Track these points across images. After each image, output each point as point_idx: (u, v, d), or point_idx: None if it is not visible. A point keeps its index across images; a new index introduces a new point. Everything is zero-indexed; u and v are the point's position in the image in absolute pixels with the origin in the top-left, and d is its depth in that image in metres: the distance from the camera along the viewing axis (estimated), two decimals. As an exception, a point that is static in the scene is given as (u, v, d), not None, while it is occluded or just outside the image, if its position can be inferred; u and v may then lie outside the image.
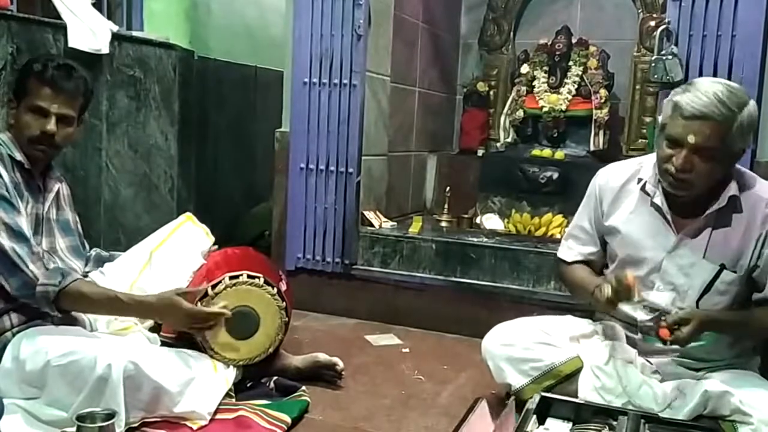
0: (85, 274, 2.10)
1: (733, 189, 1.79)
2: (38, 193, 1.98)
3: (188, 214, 2.37)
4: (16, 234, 1.80)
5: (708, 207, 1.80)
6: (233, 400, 2.02)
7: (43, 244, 1.96)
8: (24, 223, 1.84)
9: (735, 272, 1.81)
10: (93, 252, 2.24)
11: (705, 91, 1.69)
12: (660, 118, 1.82)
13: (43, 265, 1.81)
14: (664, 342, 1.74)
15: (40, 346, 1.76)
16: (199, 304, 1.99)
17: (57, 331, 1.83)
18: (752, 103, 1.73)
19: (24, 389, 1.77)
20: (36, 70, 1.91)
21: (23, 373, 1.76)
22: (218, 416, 1.92)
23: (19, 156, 1.90)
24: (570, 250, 2.07)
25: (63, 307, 1.83)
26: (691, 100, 1.69)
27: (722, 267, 1.81)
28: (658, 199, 1.86)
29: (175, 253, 2.20)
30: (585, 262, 2.05)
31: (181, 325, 1.99)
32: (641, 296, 1.75)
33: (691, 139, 1.69)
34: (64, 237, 2.06)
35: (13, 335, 1.82)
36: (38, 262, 1.80)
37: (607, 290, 1.76)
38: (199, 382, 1.91)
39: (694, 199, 1.81)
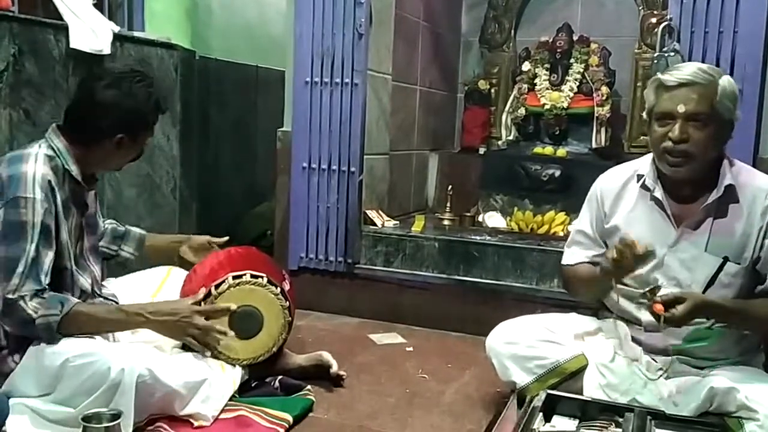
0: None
1: (728, 178, 1.81)
2: (82, 201, 1.95)
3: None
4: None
5: (706, 195, 1.82)
6: (235, 400, 2.01)
7: (77, 249, 1.94)
8: (48, 260, 1.78)
9: (739, 264, 1.81)
10: (108, 226, 2.25)
11: (684, 65, 1.84)
12: (645, 109, 1.88)
13: (40, 298, 1.75)
14: (658, 318, 1.72)
15: (61, 347, 1.76)
16: (201, 304, 1.99)
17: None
18: (727, 76, 1.81)
19: (39, 386, 1.76)
20: (160, 105, 1.96)
21: (41, 370, 1.75)
22: (219, 415, 1.91)
23: (74, 169, 1.87)
24: (573, 255, 2.06)
25: (67, 332, 1.78)
26: (672, 74, 1.80)
27: (725, 259, 1.81)
28: (659, 193, 1.87)
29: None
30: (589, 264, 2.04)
31: (185, 332, 1.94)
32: (646, 250, 1.73)
33: (681, 108, 1.75)
34: (89, 236, 2.03)
35: None
36: (36, 298, 1.74)
37: (612, 253, 1.77)
38: (209, 383, 1.91)
39: (691, 184, 1.83)
